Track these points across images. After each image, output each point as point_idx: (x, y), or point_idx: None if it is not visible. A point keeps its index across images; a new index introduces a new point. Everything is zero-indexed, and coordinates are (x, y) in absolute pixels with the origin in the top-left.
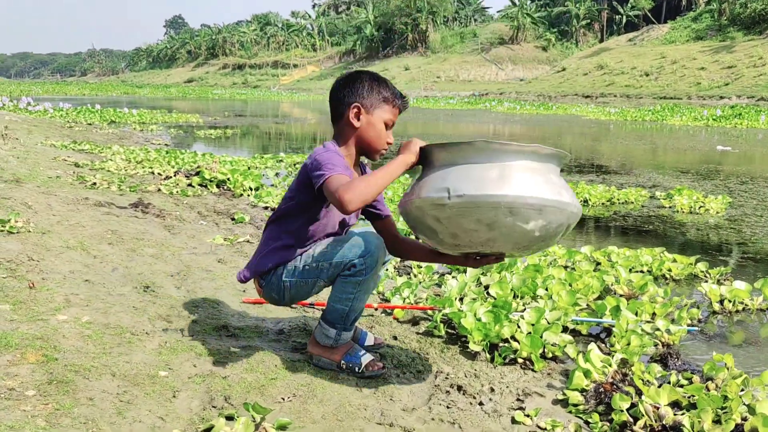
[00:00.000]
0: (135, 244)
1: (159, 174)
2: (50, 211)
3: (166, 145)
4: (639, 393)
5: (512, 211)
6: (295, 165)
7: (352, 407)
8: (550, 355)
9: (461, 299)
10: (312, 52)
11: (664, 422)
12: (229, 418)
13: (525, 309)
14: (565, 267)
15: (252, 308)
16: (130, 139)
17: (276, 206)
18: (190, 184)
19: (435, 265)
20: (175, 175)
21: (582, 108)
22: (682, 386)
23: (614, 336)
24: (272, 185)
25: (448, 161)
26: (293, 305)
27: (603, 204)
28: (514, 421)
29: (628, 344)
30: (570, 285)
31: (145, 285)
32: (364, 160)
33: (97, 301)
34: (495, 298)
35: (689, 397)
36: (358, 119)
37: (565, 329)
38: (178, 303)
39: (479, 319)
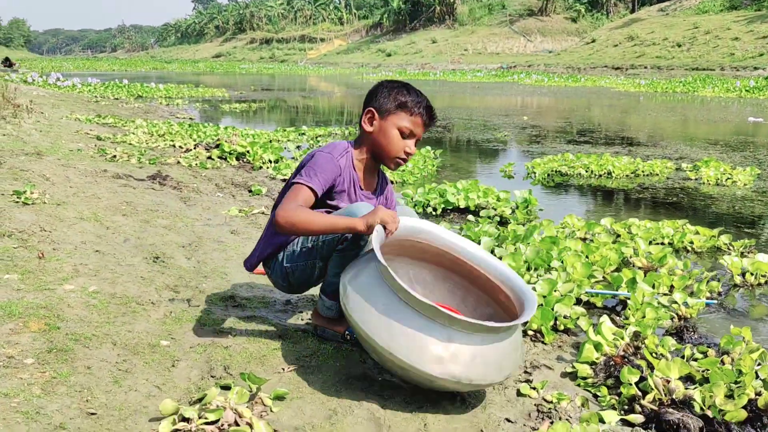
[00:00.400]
0: (149, 215)
1: (180, 147)
2: (68, 183)
3: (190, 119)
4: (651, 367)
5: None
6: (317, 138)
7: (353, 378)
8: (562, 327)
9: None
10: (339, 26)
11: (674, 396)
12: (225, 387)
13: (538, 281)
14: (584, 239)
15: (261, 279)
16: (155, 113)
17: None
18: (209, 157)
19: None
20: (195, 148)
21: (611, 80)
22: (696, 360)
23: (629, 308)
24: (293, 158)
25: (375, 278)
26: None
27: (627, 176)
28: (519, 393)
29: (643, 317)
30: (586, 257)
31: (155, 255)
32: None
33: (105, 271)
34: None
35: (703, 371)
36: (371, 124)
37: (578, 302)
38: (187, 273)
39: None
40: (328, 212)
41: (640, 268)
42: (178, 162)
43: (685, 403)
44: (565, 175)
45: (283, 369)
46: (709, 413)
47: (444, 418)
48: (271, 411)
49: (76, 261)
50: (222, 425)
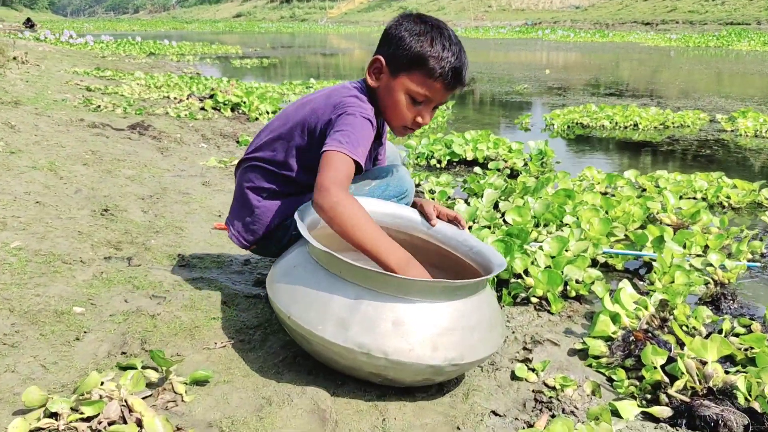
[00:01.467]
0: (114, 165)
1: (175, 98)
2: (34, 132)
3: (197, 73)
4: (681, 344)
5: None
6: None
7: (302, 357)
8: (573, 293)
9: (469, 227)
10: None
11: (711, 384)
12: (129, 368)
13: (546, 239)
14: (604, 193)
15: (222, 235)
16: (161, 68)
17: None
18: (202, 108)
19: (451, 190)
20: (187, 99)
21: (641, 35)
22: (737, 336)
23: (655, 272)
24: None
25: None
26: None
27: (655, 128)
28: (514, 376)
29: (672, 282)
30: (606, 212)
31: (105, 208)
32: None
33: (38, 225)
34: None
35: (746, 351)
36: (377, 78)
37: (594, 263)
38: (137, 228)
39: None
40: None
41: (668, 225)
42: (167, 113)
43: (726, 393)
44: (586, 127)
45: (216, 344)
46: (757, 406)
47: (410, 409)
48: (183, 401)
49: (8, 213)
50: (100, 421)
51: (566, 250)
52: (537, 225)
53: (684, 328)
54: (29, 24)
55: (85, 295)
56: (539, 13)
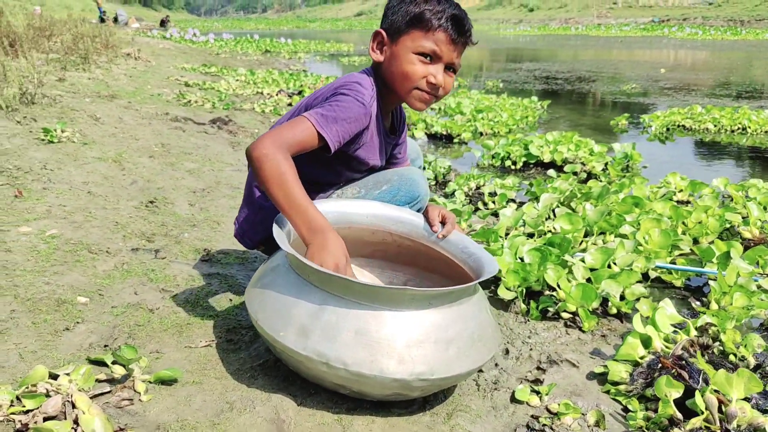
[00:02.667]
0: (178, 158)
1: (268, 94)
2: (116, 124)
3: (303, 71)
4: (705, 378)
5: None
6: None
7: (282, 362)
8: (614, 311)
9: (506, 233)
10: None
11: (734, 425)
12: (97, 362)
13: (589, 250)
14: (683, 202)
15: None
16: (269, 65)
17: None
18: (289, 104)
19: (513, 193)
20: (277, 95)
21: None
22: None
23: (712, 292)
24: None
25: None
26: None
27: (766, 132)
28: (513, 398)
29: (731, 304)
30: (674, 223)
31: (152, 200)
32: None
33: (79, 214)
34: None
35: None
36: (381, 52)
37: (646, 278)
38: (175, 221)
39: (520, 259)
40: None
41: (749, 240)
42: (253, 108)
43: None
44: (688, 129)
45: (201, 342)
46: None
47: (379, 426)
48: (140, 400)
49: (57, 201)
50: (35, 415)
51: (610, 263)
52: (588, 234)
53: (732, 357)
54: (164, 23)
55: (96, 285)
56: (668, 9)
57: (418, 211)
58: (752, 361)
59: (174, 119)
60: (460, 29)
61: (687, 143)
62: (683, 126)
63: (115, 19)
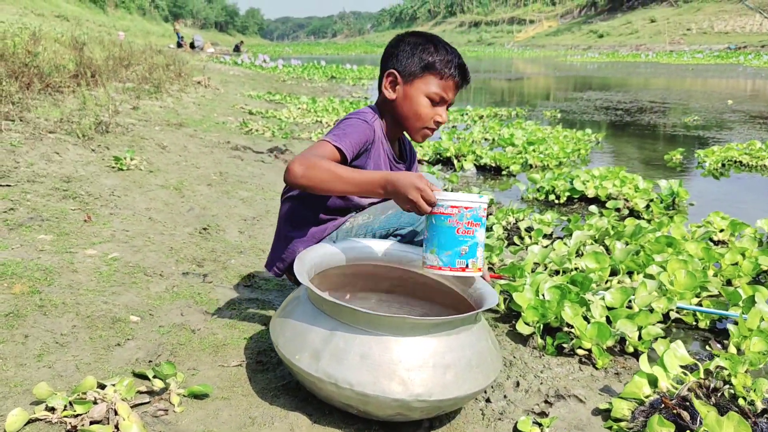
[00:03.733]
0: (234, 186)
1: (327, 123)
2: (180, 152)
3: (365, 98)
4: (700, 418)
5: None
6: (480, 118)
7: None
8: (631, 349)
9: (533, 269)
10: (550, 7)
11: None
12: (141, 376)
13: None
14: (720, 242)
15: None
16: (332, 92)
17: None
18: None
19: (548, 229)
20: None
21: None
22: None
23: (732, 335)
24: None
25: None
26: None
27: None
28: (515, 429)
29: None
30: (709, 264)
31: (205, 226)
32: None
33: (140, 239)
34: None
35: None
36: (393, 90)
37: (665, 319)
38: (225, 247)
39: (541, 296)
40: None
41: None
42: (311, 137)
43: None
44: (744, 166)
45: (233, 362)
46: None
47: None
48: (174, 411)
49: (121, 226)
50: (83, 419)
51: (630, 303)
52: (614, 273)
53: (741, 401)
54: (238, 48)
55: (148, 305)
56: (745, 36)
57: (421, 230)
58: (760, 406)
59: (234, 148)
60: (465, 77)
61: (742, 180)
62: (740, 162)
63: (192, 45)
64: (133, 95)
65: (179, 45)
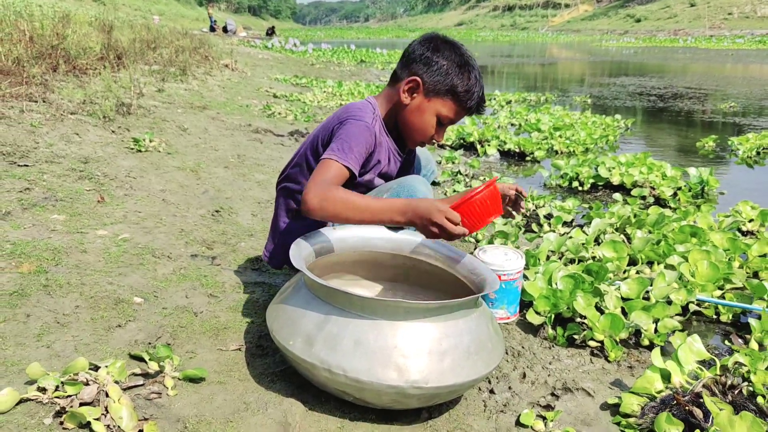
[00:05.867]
0: (251, 169)
1: None
2: (200, 134)
3: None
4: (711, 417)
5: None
6: (508, 103)
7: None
8: (646, 342)
9: (548, 257)
10: None
11: None
12: (136, 357)
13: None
14: (749, 232)
15: None
16: (360, 76)
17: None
18: None
19: (569, 216)
20: None
21: None
22: None
23: (753, 330)
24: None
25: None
26: None
27: None
28: (518, 422)
29: None
30: (735, 255)
31: (219, 209)
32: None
33: (152, 220)
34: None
35: None
36: (411, 96)
37: (685, 311)
38: (236, 230)
39: (554, 285)
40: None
41: None
42: None
43: None
44: None
45: (232, 346)
46: None
47: None
48: (168, 395)
49: (134, 208)
50: (73, 400)
51: (647, 294)
52: (632, 263)
53: (761, 399)
54: (270, 32)
55: (153, 287)
56: None
57: None
58: None
59: (255, 131)
60: (480, 109)
61: None
62: None
63: (225, 29)
64: (159, 78)
65: (212, 29)
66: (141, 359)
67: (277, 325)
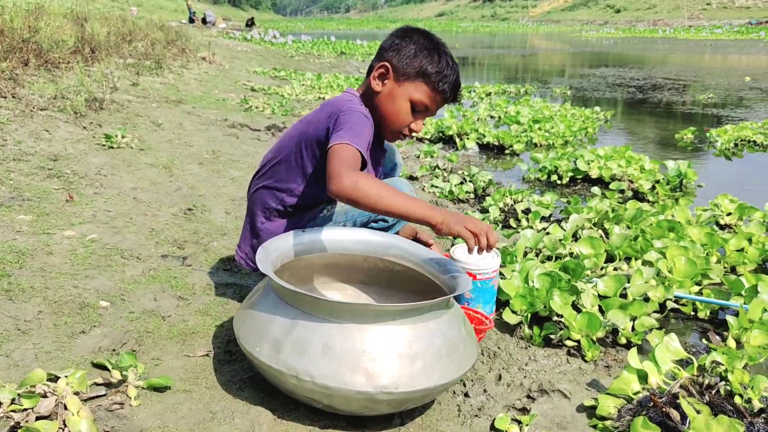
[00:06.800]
0: (226, 165)
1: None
2: (175, 130)
3: None
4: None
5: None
6: (488, 95)
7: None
8: (623, 341)
9: (526, 254)
10: None
11: None
12: (99, 366)
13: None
14: (726, 226)
15: None
16: (340, 68)
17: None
18: None
19: (547, 211)
20: None
21: None
22: None
23: (731, 327)
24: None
25: None
26: None
27: None
28: (493, 427)
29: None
30: (713, 250)
31: (191, 207)
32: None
33: (121, 219)
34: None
35: None
36: (382, 82)
37: (662, 309)
38: (209, 228)
39: (530, 283)
40: None
41: None
42: None
43: None
44: (758, 146)
45: (200, 352)
46: None
47: None
48: (131, 405)
49: (104, 207)
50: (29, 414)
51: (623, 291)
52: (610, 260)
53: (738, 399)
54: (250, 23)
55: (120, 290)
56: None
57: None
58: (757, 405)
59: (231, 125)
60: (456, 95)
61: (756, 161)
62: (754, 142)
63: (204, 20)
64: (133, 71)
65: (191, 20)
66: (104, 368)
67: (244, 331)
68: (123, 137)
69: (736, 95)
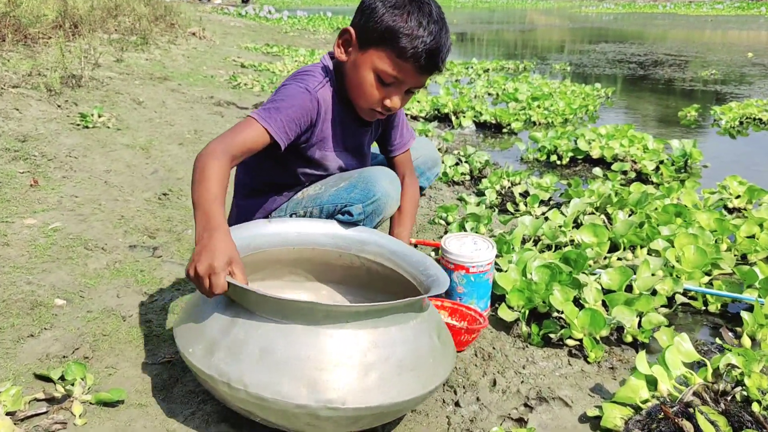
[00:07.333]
0: None
1: None
2: (157, 108)
3: None
4: None
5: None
6: (486, 71)
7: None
8: (629, 339)
9: (524, 242)
10: None
11: None
12: (42, 377)
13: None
14: (735, 210)
15: None
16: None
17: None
18: None
19: (546, 194)
20: None
21: None
22: None
23: (745, 324)
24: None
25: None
26: None
27: None
28: None
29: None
30: (723, 237)
31: (167, 191)
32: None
33: (89, 206)
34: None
35: None
36: (345, 51)
37: (671, 302)
38: (184, 215)
39: (528, 276)
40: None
41: None
42: None
43: None
44: (764, 124)
45: (161, 358)
46: None
47: None
48: (75, 424)
49: (72, 192)
50: None
51: (629, 284)
52: (614, 249)
53: (756, 405)
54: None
55: (80, 286)
56: None
57: (373, 210)
58: None
59: (217, 103)
60: (432, 63)
61: (762, 140)
62: (759, 120)
63: None
64: (118, 47)
65: None
66: (49, 379)
67: (181, 329)
68: (99, 116)
69: (738, 71)
